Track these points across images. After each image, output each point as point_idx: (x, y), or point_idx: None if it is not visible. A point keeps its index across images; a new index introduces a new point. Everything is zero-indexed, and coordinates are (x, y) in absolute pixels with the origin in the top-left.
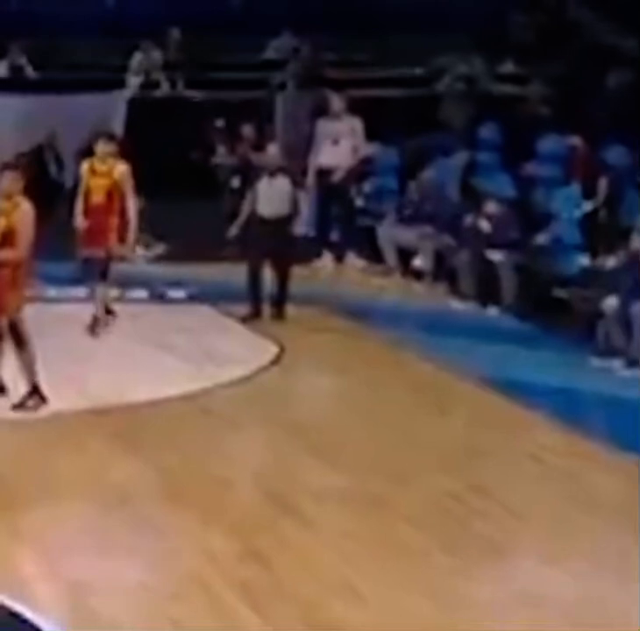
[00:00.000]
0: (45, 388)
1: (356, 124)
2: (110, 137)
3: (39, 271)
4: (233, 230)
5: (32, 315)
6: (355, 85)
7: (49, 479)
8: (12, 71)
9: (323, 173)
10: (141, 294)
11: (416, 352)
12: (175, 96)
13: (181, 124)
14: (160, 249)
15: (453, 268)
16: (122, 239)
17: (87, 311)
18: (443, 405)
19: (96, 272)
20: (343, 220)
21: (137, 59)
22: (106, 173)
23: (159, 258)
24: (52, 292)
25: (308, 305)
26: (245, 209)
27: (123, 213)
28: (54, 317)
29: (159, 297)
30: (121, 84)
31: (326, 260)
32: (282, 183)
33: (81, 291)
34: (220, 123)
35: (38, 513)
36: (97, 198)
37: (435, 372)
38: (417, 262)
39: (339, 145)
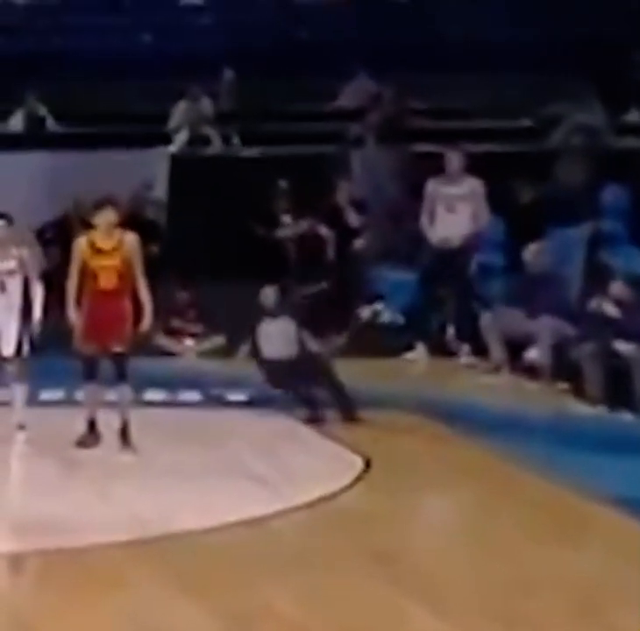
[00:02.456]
0: (80, 513)
1: (476, 186)
2: (114, 203)
3: (53, 368)
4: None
5: (49, 421)
6: (449, 139)
7: (85, 627)
8: (30, 123)
9: (431, 247)
10: (193, 396)
11: (533, 467)
12: (229, 154)
13: (238, 189)
14: (215, 342)
15: (575, 363)
16: (137, 327)
17: (111, 418)
18: (569, 533)
19: (115, 370)
20: (455, 303)
21: (181, 108)
22: (114, 249)
23: (214, 353)
24: (79, 394)
25: (398, 408)
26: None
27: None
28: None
29: (214, 400)
30: (163, 139)
31: (420, 353)
32: (285, 324)
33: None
34: (283, 184)
35: None
36: (108, 282)
37: (557, 491)
38: (531, 356)
39: (456, 212)
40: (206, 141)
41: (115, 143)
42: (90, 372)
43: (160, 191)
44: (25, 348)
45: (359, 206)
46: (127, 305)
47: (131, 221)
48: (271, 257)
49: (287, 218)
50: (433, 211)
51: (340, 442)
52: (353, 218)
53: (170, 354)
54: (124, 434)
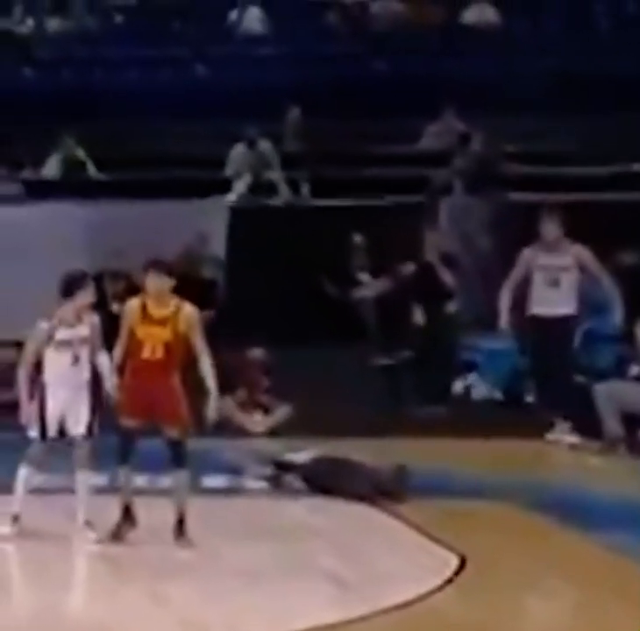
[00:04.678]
0: (132, 618)
1: (583, 254)
2: (166, 266)
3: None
4: None
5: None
6: (549, 187)
7: None
8: (68, 169)
9: (532, 321)
10: (256, 482)
11: None
12: (297, 204)
13: (307, 243)
14: (282, 413)
15: None
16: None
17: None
18: None
19: (171, 456)
20: (554, 378)
21: (238, 151)
22: (167, 319)
23: (280, 428)
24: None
25: (495, 497)
26: None
27: (185, 369)
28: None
29: (276, 484)
30: (220, 187)
31: None
32: None
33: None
34: (359, 238)
35: None
36: (152, 354)
37: None
38: None
39: (560, 286)
40: (270, 189)
41: (165, 191)
42: (125, 453)
43: (218, 246)
44: (96, 428)
45: (450, 263)
46: (174, 382)
47: (183, 281)
48: (346, 320)
49: (364, 276)
50: (530, 283)
51: (429, 535)
52: (446, 277)
53: (235, 431)
54: (181, 527)
